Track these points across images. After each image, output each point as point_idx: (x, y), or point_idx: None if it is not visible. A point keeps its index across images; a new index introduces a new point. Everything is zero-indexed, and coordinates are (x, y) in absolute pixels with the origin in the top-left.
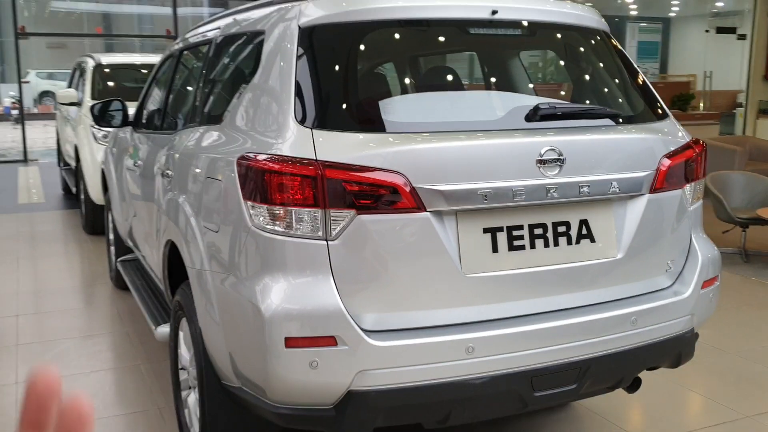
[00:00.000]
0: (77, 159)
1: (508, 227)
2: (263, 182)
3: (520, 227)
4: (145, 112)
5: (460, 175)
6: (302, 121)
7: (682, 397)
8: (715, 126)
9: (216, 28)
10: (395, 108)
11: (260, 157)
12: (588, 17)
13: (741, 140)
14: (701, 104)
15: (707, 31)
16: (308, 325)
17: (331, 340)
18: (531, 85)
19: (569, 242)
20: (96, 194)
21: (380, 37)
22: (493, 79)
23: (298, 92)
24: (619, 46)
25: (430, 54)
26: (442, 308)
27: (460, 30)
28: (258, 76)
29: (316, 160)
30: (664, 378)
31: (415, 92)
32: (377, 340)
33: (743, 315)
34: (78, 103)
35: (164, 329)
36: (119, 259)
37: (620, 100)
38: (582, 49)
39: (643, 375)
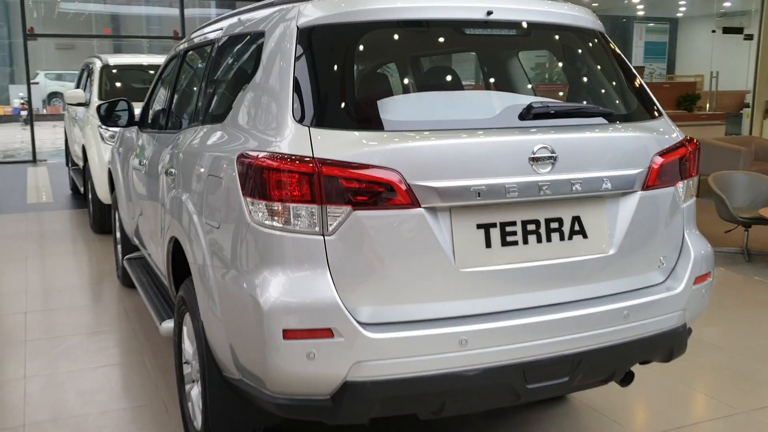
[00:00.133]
0: (85, 159)
1: (501, 223)
2: (262, 179)
3: (513, 223)
4: (150, 112)
5: (454, 173)
6: (300, 120)
7: (678, 393)
8: (720, 126)
9: (218, 29)
10: (392, 107)
11: (259, 155)
12: (583, 18)
13: (746, 140)
14: (707, 105)
15: (713, 31)
16: (305, 318)
17: (327, 332)
18: (529, 85)
19: (562, 238)
20: (103, 194)
21: (377, 38)
22: (490, 79)
23: (297, 91)
24: (615, 47)
25: (427, 54)
26: (436, 302)
27: (455, 30)
28: (258, 76)
29: (313, 157)
30: (661, 374)
31: (412, 92)
32: (373, 332)
33: (743, 313)
34: (86, 104)
35: (169, 324)
36: (126, 257)
37: (614, 99)
38: (577, 49)
39: (641, 371)
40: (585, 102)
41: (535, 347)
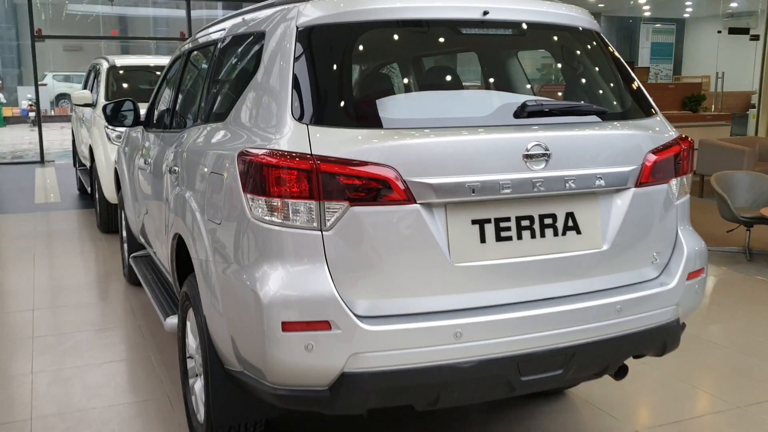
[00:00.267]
0: (92, 159)
1: (495, 219)
2: (262, 176)
3: (508, 219)
4: (155, 112)
5: (449, 169)
6: (299, 118)
7: (674, 389)
8: (726, 127)
9: (221, 30)
10: (389, 105)
11: (259, 152)
12: (580, 18)
13: (750, 141)
14: (713, 105)
15: (719, 32)
16: (304, 310)
17: (325, 325)
18: (527, 85)
19: (555, 234)
20: (110, 193)
21: (376, 37)
22: (487, 79)
23: (296, 90)
24: (611, 46)
25: (424, 54)
26: (432, 295)
27: (452, 30)
28: (259, 75)
29: (311, 154)
30: (659, 370)
31: (409, 91)
32: (369, 324)
33: (743, 312)
34: (92, 105)
35: (173, 320)
36: (132, 255)
37: (609, 98)
38: (573, 48)
39: (638, 367)
40: (580, 100)
41: (528, 340)
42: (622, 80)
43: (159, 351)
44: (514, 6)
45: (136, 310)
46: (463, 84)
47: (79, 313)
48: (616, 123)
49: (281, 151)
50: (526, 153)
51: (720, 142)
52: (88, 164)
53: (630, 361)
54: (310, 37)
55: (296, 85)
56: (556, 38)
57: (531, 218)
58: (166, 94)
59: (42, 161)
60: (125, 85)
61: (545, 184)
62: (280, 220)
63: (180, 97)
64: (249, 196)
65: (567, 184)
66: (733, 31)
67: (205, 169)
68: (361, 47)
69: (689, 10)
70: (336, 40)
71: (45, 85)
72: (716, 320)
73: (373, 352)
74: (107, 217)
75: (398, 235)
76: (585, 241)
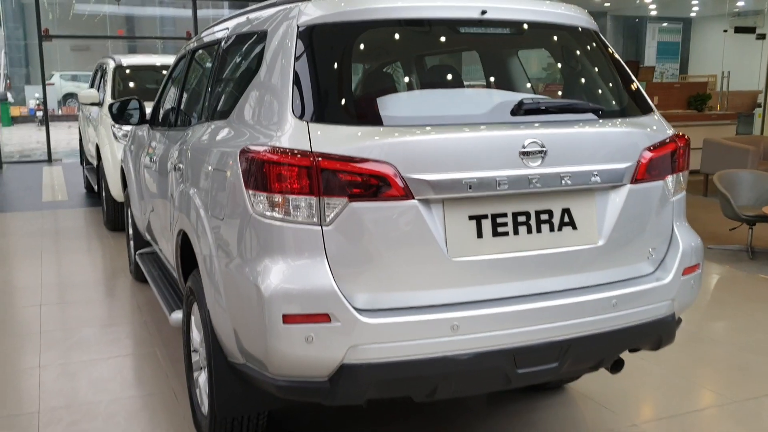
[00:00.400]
0: (98, 158)
1: (492, 215)
2: (263, 172)
3: (504, 215)
4: (160, 110)
5: (446, 166)
6: (300, 116)
7: (672, 384)
8: (731, 126)
9: (224, 29)
10: (388, 103)
11: (260, 149)
12: (578, 17)
13: (755, 140)
14: (718, 104)
15: (725, 30)
16: (304, 303)
17: (325, 317)
18: (527, 83)
19: (551, 229)
20: (116, 191)
21: (375, 36)
22: (488, 77)
23: (297, 88)
24: (609, 46)
25: (423, 53)
26: (429, 289)
27: (451, 29)
28: (261, 74)
29: (311, 151)
30: (658, 366)
31: (407, 89)
32: (368, 317)
33: (745, 309)
34: (99, 103)
35: (178, 315)
36: (138, 252)
37: (606, 96)
38: (571, 47)
39: (637, 363)
40: (577, 98)
41: (524, 333)
42: (620, 79)
43: (164, 346)
44: (512, 6)
45: (142, 306)
46: (466, 83)
47: (86, 309)
48: (612, 120)
49: (282, 148)
50: (523, 150)
51: (724, 141)
52: (94, 163)
53: (629, 357)
54: (311, 36)
55: (297, 83)
56: (554, 38)
57: (527, 214)
58: (172, 93)
59: (49, 160)
60: (132, 84)
61: (541, 180)
62: (281, 216)
63: (185, 95)
64: (251, 192)
65: (563, 181)
66: (739, 30)
67: (209, 167)
68: (360, 46)
69: (695, 9)
70: (336, 39)
71: (52, 84)
72: (717, 317)
73: (371, 344)
74: (114, 215)
75: (397, 231)
76: (581, 237)
